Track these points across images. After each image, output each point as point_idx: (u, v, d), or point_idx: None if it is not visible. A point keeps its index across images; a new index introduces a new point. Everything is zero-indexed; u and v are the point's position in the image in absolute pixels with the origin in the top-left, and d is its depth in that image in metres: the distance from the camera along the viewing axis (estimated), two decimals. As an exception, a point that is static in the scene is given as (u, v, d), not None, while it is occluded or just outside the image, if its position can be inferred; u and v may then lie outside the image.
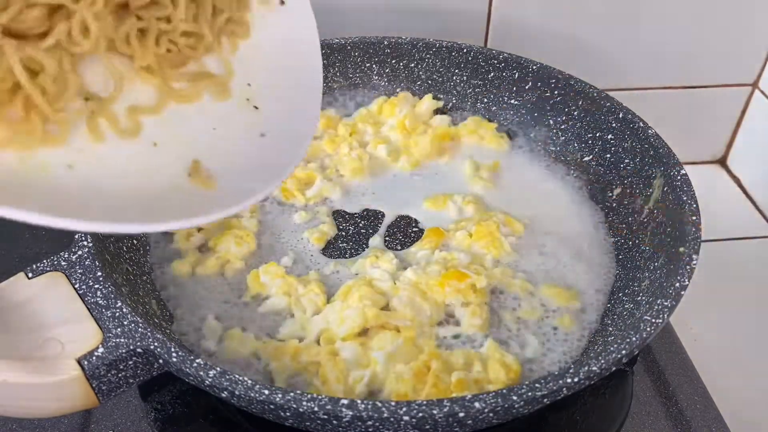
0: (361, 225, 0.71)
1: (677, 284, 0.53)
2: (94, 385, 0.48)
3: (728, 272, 0.80)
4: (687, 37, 0.90)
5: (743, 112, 0.98)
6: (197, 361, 0.46)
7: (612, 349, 0.48)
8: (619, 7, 0.87)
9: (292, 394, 0.44)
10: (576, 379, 0.46)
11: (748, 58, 0.93)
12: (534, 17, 0.87)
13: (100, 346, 0.48)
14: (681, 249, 0.56)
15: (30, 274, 0.52)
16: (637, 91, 0.94)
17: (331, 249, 0.68)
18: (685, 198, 0.60)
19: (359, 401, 0.44)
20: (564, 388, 0.46)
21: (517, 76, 0.79)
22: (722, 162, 1.01)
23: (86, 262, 0.53)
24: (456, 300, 0.61)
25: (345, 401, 0.44)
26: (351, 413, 0.43)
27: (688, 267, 0.54)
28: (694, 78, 0.94)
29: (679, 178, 0.62)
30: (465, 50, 0.80)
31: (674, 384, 0.63)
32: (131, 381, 0.50)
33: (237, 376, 0.45)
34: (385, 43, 0.81)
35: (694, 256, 0.55)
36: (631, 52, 0.90)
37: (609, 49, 0.90)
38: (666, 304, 0.52)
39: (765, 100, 0.94)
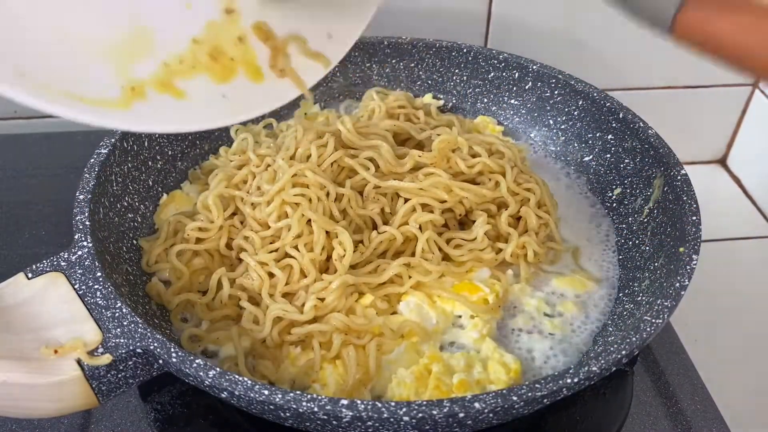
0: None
1: (677, 284, 0.53)
2: (93, 386, 0.48)
3: (728, 272, 0.80)
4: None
5: (743, 112, 0.98)
6: (197, 361, 0.46)
7: (612, 349, 0.48)
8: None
9: (291, 394, 0.44)
10: (576, 380, 0.46)
11: (748, 58, 0.93)
12: (534, 17, 0.87)
13: (100, 346, 0.48)
14: (681, 249, 0.56)
15: (30, 275, 0.52)
16: (637, 91, 0.94)
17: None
18: (685, 198, 0.60)
19: (359, 401, 0.44)
20: (564, 389, 0.46)
21: (517, 76, 0.79)
22: (722, 162, 1.01)
23: (86, 263, 0.53)
24: (464, 312, 0.60)
25: (345, 401, 0.44)
26: (351, 413, 0.43)
27: (688, 267, 0.54)
28: (694, 78, 0.94)
29: (679, 178, 0.62)
30: (465, 50, 0.80)
31: (674, 384, 0.63)
32: (131, 381, 0.50)
33: (237, 376, 0.45)
34: (385, 43, 0.81)
35: (694, 256, 0.55)
36: (631, 52, 0.90)
37: (609, 49, 0.90)
38: (666, 304, 0.52)
39: (765, 100, 0.94)
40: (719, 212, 0.86)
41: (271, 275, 0.59)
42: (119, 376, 0.49)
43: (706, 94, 0.95)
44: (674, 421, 0.60)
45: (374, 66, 0.82)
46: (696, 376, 0.63)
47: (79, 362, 0.47)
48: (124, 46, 0.46)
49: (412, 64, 0.82)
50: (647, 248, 0.64)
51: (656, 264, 0.61)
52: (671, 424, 0.59)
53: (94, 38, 0.45)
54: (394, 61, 0.82)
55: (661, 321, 0.50)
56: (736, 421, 0.59)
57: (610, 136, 0.72)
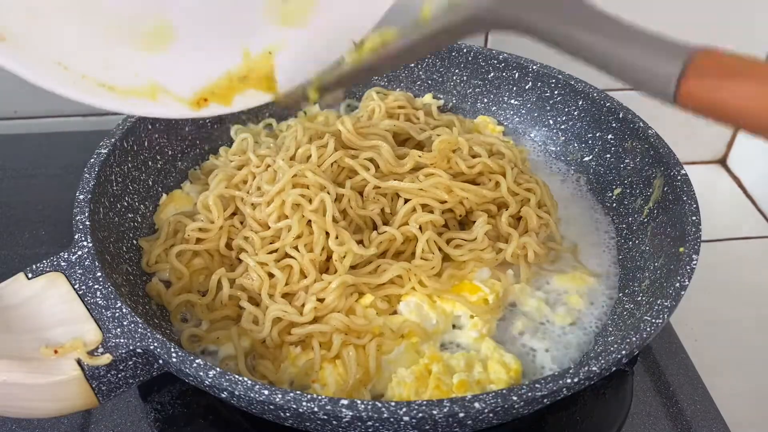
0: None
1: (677, 284, 0.53)
2: (93, 386, 0.48)
3: (728, 272, 0.80)
4: (687, 37, 0.89)
5: (744, 111, 0.97)
6: (197, 361, 0.46)
7: (612, 349, 0.48)
8: (618, 7, 0.87)
9: (291, 394, 0.44)
10: (576, 380, 0.46)
11: (749, 58, 0.93)
12: (534, 17, 0.87)
13: (100, 346, 0.48)
14: (681, 249, 0.56)
15: (30, 275, 0.52)
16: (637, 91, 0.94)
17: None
18: (685, 198, 0.60)
19: (359, 401, 0.44)
20: (564, 389, 0.46)
21: (517, 76, 0.79)
22: (722, 162, 1.01)
23: (86, 263, 0.53)
24: (464, 312, 0.60)
25: (345, 401, 0.44)
26: (351, 413, 0.43)
27: (688, 267, 0.54)
28: (694, 78, 0.94)
29: (679, 178, 0.62)
30: (465, 50, 0.80)
31: (674, 384, 0.63)
32: (131, 381, 0.50)
33: (236, 376, 0.45)
34: (385, 43, 0.81)
35: (694, 257, 0.55)
36: (630, 52, 0.90)
37: (609, 49, 0.90)
38: (666, 304, 0.51)
39: (765, 99, 0.94)
40: (719, 212, 0.86)
41: (270, 275, 0.59)
42: (119, 376, 0.49)
43: (706, 94, 0.95)
44: (674, 421, 0.60)
45: (374, 66, 0.82)
46: (696, 376, 0.63)
47: (79, 362, 0.47)
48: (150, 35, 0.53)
49: (412, 64, 0.82)
50: (647, 248, 0.64)
51: (656, 264, 0.61)
52: (671, 424, 0.59)
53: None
54: (394, 61, 0.82)
55: (661, 321, 0.50)
56: (735, 421, 0.59)
57: (610, 136, 0.72)
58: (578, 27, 0.42)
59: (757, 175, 0.94)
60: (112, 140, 0.64)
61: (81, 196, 0.58)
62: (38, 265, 0.53)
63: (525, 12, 0.43)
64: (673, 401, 0.61)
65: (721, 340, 0.72)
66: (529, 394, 0.45)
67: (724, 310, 0.75)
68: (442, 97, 0.83)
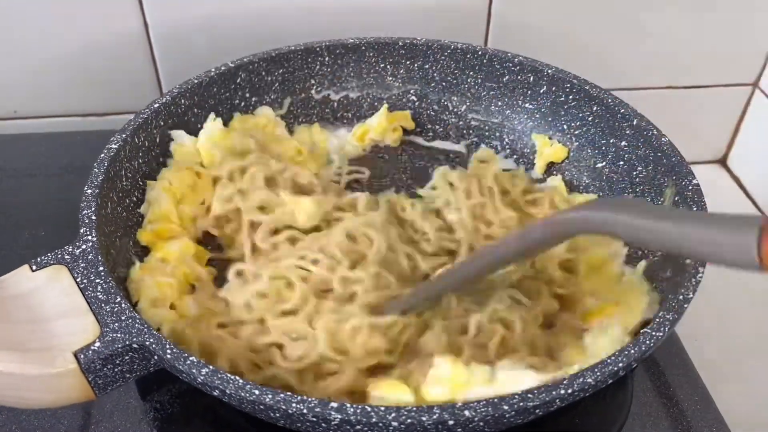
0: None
1: (681, 297, 0.52)
2: (90, 379, 0.48)
3: (728, 272, 0.78)
4: (687, 37, 0.88)
5: (743, 112, 0.97)
6: (191, 358, 0.47)
7: (609, 360, 0.47)
8: (619, 7, 0.86)
9: (282, 395, 0.44)
10: (570, 391, 0.45)
11: (748, 58, 0.92)
12: (534, 17, 0.86)
13: (97, 340, 0.48)
14: (687, 261, 0.55)
15: (34, 267, 0.53)
16: (637, 91, 0.92)
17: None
18: (695, 208, 0.59)
19: (348, 405, 0.44)
20: (557, 400, 0.45)
21: (531, 79, 0.78)
22: (723, 162, 0.99)
23: (89, 257, 0.54)
24: None
25: (334, 404, 0.44)
26: (340, 417, 0.43)
27: (693, 280, 0.53)
28: (694, 78, 0.93)
29: (690, 187, 0.61)
30: (480, 52, 0.79)
31: (674, 384, 0.62)
32: (128, 376, 0.50)
33: (229, 375, 0.45)
34: (400, 44, 0.80)
35: (701, 269, 0.54)
36: (631, 52, 0.89)
37: (609, 49, 0.89)
38: (668, 317, 0.50)
39: (765, 100, 0.92)
40: (719, 212, 0.85)
41: None
42: (115, 370, 0.49)
43: (706, 94, 0.94)
44: (674, 421, 0.59)
45: (388, 66, 0.81)
46: (696, 376, 0.62)
47: (75, 355, 0.47)
48: None
49: (427, 66, 0.81)
50: (656, 259, 0.62)
51: (664, 275, 0.60)
52: (671, 425, 0.58)
53: None
54: (408, 62, 0.81)
55: (661, 334, 0.49)
56: (736, 421, 0.59)
57: (623, 143, 0.71)
58: (657, 219, 0.45)
59: (757, 175, 0.93)
60: (123, 135, 0.64)
61: (89, 191, 0.59)
62: (43, 257, 0.53)
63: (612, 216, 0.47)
64: (673, 402, 0.60)
65: (721, 341, 0.71)
66: (521, 404, 0.44)
67: (724, 310, 0.74)
68: (456, 99, 0.82)
